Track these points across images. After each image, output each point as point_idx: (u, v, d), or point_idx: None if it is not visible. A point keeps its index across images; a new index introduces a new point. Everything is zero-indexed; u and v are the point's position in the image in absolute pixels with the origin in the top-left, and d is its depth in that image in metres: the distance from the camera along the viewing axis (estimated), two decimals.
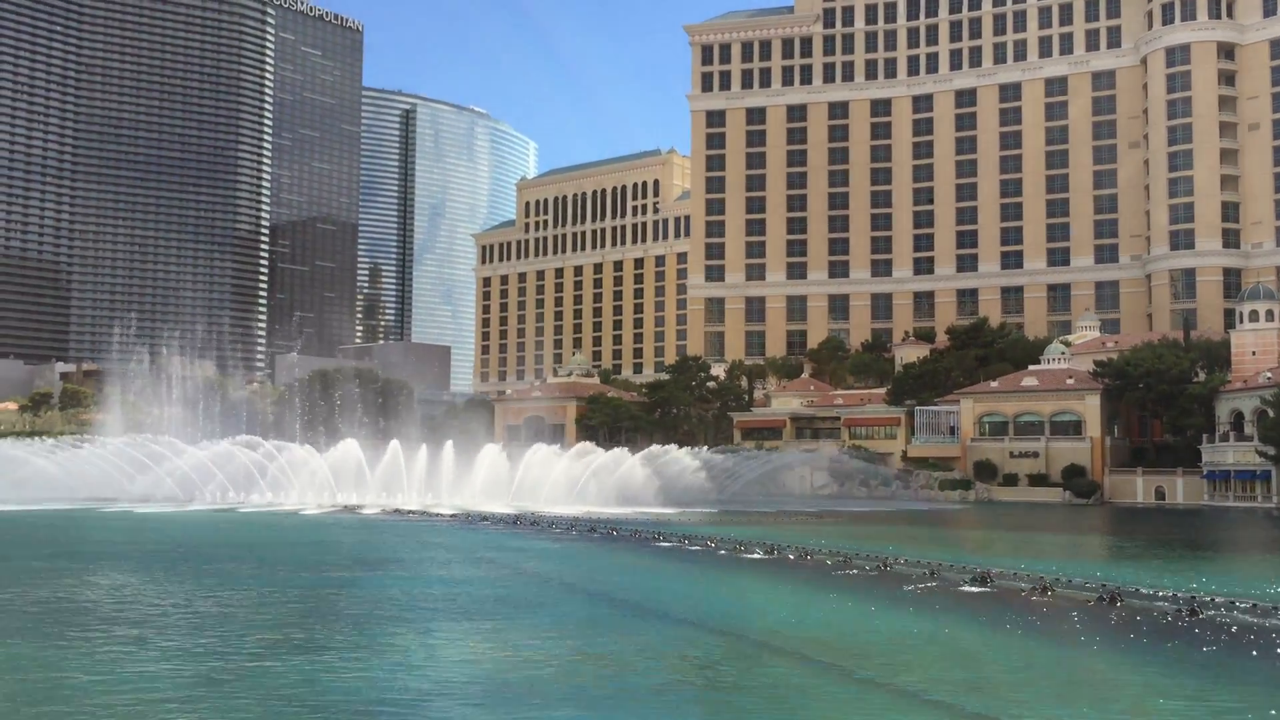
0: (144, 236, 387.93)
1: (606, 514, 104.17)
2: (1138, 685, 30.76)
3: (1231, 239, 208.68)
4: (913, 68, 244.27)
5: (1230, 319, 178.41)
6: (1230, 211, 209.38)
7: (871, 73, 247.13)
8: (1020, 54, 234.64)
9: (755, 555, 65.10)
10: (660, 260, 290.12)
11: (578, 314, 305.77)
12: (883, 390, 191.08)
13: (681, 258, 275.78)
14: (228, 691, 28.15)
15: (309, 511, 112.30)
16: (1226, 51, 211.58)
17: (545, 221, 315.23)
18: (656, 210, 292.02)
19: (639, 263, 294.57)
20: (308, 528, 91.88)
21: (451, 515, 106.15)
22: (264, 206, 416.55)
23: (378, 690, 28.51)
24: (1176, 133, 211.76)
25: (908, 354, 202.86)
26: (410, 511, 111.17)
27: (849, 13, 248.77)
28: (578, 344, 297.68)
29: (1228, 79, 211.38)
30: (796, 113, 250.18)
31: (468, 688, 29.22)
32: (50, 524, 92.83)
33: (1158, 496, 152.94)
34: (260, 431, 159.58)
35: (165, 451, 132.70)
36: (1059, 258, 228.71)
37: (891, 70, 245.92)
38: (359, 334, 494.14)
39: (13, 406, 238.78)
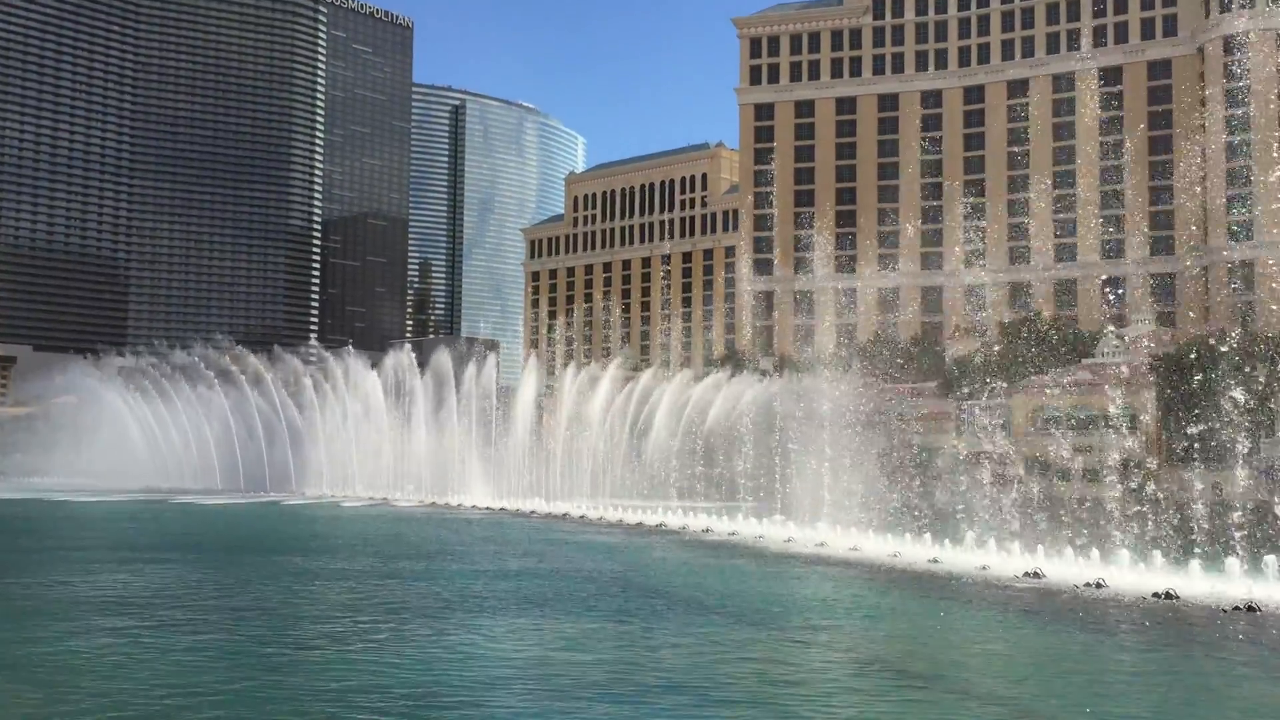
0: (199, 232, 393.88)
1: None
2: (1188, 680, 30.38)
3: None
4: (964, 58, 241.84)
5: None
6: None
7: (922, 64, 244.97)
8: (1074, 43, 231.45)
9: (805, 551, 65.08)
10: (708, 254, 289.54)
11: (626, 308, 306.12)
12: (933, 385, 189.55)
13: (730, 252, 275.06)
14: (272, 681, 28.55)
15: (350, 504, 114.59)
16: None
17: (594, 216, 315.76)
18: (705, 204, 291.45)
19: (687, 257, 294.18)
20: (350, 521, 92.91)
21: (486, 509, 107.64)
22: (316, 202, 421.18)
23: (426, 681, 28.80)
24: (1234, 122, 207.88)
25: (958, 348, 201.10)
26: (456, 505, 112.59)
27: (899, 4, 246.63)
28: (626, 338, 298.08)
29: None
30: (846, 105, 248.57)
31: (513, 680, 29.39)
32: (116, 515, 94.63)
33: (1215, 492, 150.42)
34: None
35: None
36: (1113, 250, 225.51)
37: (943, 61, 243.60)
38: (409, 328, 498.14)
39: (74, 399, 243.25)
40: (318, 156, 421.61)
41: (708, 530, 78.91)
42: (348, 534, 79.22)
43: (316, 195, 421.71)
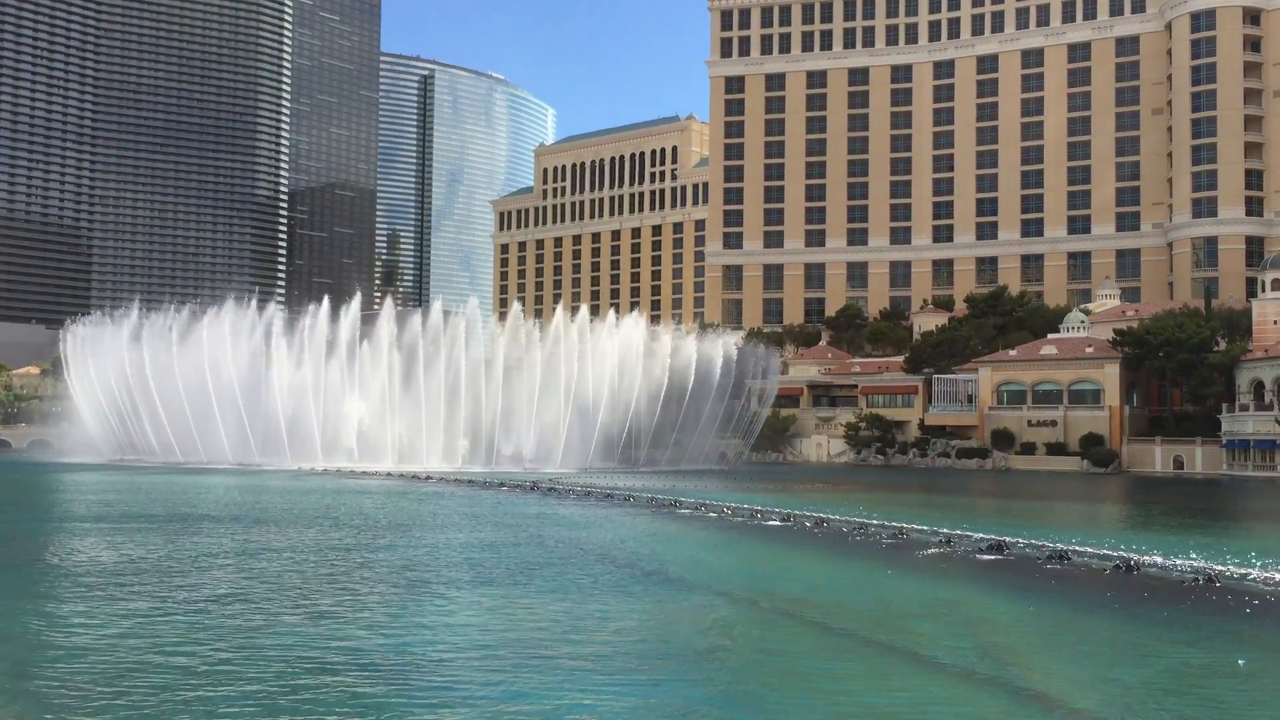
0: (164, 202, 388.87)
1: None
2: (1153, 652, 31.02)
3: (1255, 207, 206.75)
4: (934, 33, 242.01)
5: (1252, 288, 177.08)
6: (1254, 179, 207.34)
7: (892, 38, 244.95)
8: (1043, 19, 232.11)
9: (773, 523, 65.50)
10: (678, 227, 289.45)
11: (595, 281, 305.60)
12: (900, 358, 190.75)
13: (700, 225, 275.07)
14: (240, 653, 28.57)
15: (317, 468, 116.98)
16: (1252, 17, 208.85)
17: (563, 188, 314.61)
18: (675, 177, 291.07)
19: (657, 230, 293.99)
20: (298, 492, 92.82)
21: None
22: (282, 172, 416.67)
23: (388, 652, 28.92)
24: (1200, 99, 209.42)
25: (926, 322, 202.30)
26: (403, 474, 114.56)
27: None
28: (595, 311, 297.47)
29: (1253, 45, 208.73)
30: (816, 79, 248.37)
31: (476, 651, 29.48)
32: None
33: (1176, 466, 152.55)
34: None
35: None
36: (1080, 225, 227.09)
37: (913, 36, 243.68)
38: (377, 300, 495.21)
39: (35, 370, 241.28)
40: (284, 125, 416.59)
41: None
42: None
43: (283, 165, 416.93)
